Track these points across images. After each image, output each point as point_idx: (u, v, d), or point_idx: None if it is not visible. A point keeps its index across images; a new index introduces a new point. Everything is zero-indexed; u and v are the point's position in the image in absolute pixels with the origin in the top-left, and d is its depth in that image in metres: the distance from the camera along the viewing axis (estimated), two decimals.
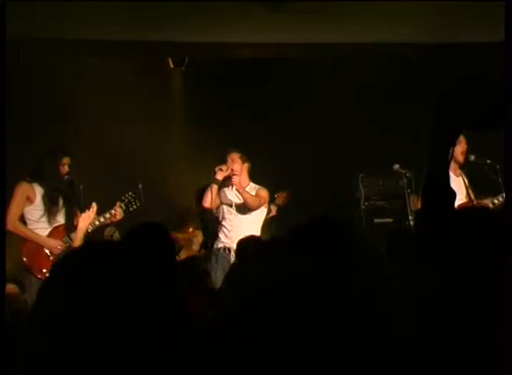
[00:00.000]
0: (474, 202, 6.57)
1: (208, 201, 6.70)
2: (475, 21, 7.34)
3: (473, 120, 1.94)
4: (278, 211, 7.10)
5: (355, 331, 1.49)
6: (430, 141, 1.95)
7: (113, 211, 6.24)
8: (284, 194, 7.12)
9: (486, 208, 3.48)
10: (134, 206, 6.36)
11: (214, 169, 6.73)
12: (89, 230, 6.12)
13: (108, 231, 7.14)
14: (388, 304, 2.08)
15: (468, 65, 7.43)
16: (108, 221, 6.26)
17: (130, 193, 6.37)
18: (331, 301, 1.48)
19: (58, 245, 6.01)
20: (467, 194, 6.62)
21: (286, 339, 1.42)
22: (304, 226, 2.83)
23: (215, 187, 6.71)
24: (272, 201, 7.03)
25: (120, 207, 6.27)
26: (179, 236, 7.52)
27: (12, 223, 5.85)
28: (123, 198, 6.34)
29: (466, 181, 6.68)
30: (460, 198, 6.42)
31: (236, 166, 6.75)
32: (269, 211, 6.96)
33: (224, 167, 6.72)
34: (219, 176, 6.71)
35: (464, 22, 7.33)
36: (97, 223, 6.18)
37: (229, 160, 6.77)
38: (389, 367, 1.64)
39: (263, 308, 1.45)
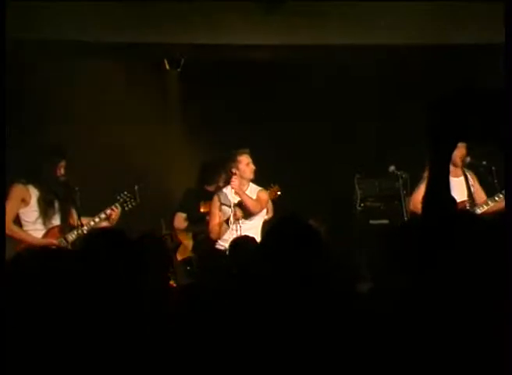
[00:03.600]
0: (477, 201, 6.61)
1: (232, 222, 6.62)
2: (473, 23, 7.37)
3: (471, 132, 1.95)
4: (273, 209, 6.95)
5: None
6: (429, 152, 1.98)
7: (108, 211, 6.23)
8: (276, 187, 6.93)
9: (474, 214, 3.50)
10: (130, 206, 6.36)
11: (231, 172, 6.65)
12: (84, 232, 6.11)
13: None
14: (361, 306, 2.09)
15: (466, 67, 7.46)
16: (103, 222, 6.24)
17: (125, 192, 6.37)
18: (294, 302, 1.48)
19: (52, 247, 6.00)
20: (470, 193, 6.66)
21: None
22: (271, 228, 2.83)
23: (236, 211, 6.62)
24: None
25: (116, 207, 6.27)
26: (179, 235, 7.51)
27: (6, 224, 5.82)
28: (118, 197, 6.34)
29: (471, 181, 6.70)
30: (461, 198, 6.48)
31: (250, 168, 6.70)
32: (266, 211, 6.87)
33: (250, 164, 6.65)
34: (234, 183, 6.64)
35: (461, 23, 7.36)
36: (92, 223, 6.17)
37: (240, 161, 6.68)
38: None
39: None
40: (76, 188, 6.07)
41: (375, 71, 7.83)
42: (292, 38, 7.45)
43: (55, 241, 6.04)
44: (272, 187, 6.93)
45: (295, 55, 7.80)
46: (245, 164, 6.69)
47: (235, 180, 6.62)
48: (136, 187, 6.50)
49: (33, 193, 6.03)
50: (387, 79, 7.92)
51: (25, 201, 6.01)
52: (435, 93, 2.05)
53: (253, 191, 6.81)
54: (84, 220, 6.14)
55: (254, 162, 6.74)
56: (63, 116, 7.55)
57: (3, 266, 3.89)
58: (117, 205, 6.30)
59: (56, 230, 6.11)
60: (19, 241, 5.98)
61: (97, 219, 6.19)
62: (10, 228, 5.90)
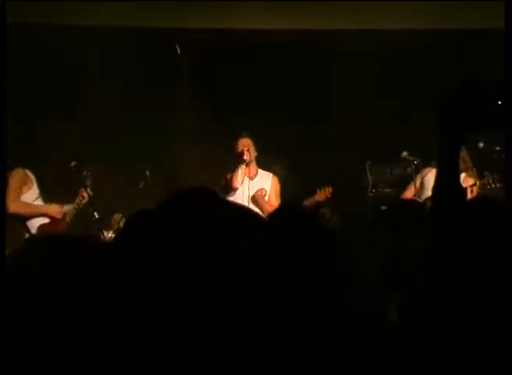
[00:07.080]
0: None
1: (240, 181, 6.66)
2: (477, 7, 7.34)
3: (478, 121, 1.94)
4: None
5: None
6: (438, 143, 1.97)
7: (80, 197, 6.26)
8: (329, 189, 6.84)
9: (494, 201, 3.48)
10: None
11: (241, 150, 6.69)
12: (96, 216, 6.13)
13: (115, 219, 7.16)
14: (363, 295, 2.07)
15: (473, 52, 7.41)
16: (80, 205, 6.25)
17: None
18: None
19: (60, 209, 6.08)
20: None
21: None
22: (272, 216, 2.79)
23: (243, 167, 6.68)
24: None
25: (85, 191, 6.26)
26: None
27: (12, 204, 5.81)
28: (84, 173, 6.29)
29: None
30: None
31: (251, 152, 6.72)
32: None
33: (251, 148, 6.69)
34: (247, 156, 6.68)
35: (466, 9, 7.34)
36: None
37: (241, 145, 6.72)
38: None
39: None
40: (88, 173, 6.10)
41: (385, 57, 7.79)
42: (303, 23, 7.45)
43: (67, 208, 6.08)
44: (324, 189, 6.87)
45: (307, 40, 7.78)
46: (245, 149, 6.69)
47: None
48: (147, 173, 6.53)
49: (34, 177, 6.05)
50: (397, 64, 7.87)
51: (27, 186, 6.02)
52: (450, 79, 2.04)
53: (264, 177, 6.82)
54: None
55: (266, 145, 6.75)
56: (75, 101, 7.57)
57: (3, 264, 3.92)
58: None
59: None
60: (31, 215, 5.99)
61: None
62: (16, 205, 5.89)
